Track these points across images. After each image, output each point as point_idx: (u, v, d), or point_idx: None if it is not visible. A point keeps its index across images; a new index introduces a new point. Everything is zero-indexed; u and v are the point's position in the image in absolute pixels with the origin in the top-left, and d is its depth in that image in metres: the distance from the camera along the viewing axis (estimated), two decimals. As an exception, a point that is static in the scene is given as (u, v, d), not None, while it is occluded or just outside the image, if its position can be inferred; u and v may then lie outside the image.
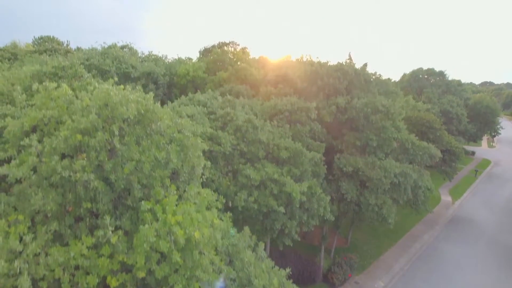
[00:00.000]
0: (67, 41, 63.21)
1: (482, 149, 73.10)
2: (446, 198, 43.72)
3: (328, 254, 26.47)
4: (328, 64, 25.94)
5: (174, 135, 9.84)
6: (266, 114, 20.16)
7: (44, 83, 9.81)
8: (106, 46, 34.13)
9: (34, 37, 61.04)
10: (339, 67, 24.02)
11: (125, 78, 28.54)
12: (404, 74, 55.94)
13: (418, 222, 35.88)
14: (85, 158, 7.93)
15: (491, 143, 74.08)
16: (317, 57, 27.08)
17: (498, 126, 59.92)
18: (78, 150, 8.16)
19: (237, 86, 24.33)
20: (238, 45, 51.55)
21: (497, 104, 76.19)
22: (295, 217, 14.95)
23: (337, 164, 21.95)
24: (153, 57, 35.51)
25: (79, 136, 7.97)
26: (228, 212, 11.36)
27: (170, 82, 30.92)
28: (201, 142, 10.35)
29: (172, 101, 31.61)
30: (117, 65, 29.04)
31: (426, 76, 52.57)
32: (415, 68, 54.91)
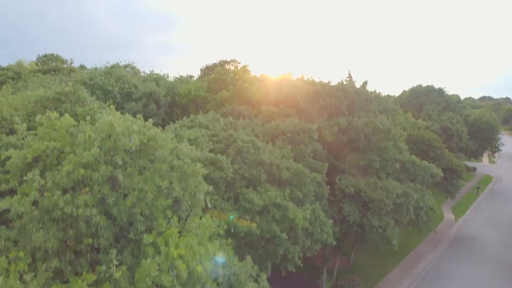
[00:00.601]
0: (71, 59, 64.27)
1: (484, 165, 72.92)
2: (449, 216, 43.31)
3: (330, 276, 26.01)
4: (330, 84, 26.23)
5: (174, 162, 9.83)
6: (268, 135, 20.21)
7: (47, 113, 9.86)
8: (109, 65, 34.57)
9: (38, 55, 62.11)
10: (340, 87, 24.24)
11: (127, 98, 28.76)
12: (404, 91, 56.37)
13: (421, 241, 35.41)
14: (88, 193, 7.89)
15: (492, 159, 73.92)
16: (319, 77, 27.33)
17: (499, 143, 59.92)
18: (80, 184, 8.13)
19: (238, 107, 24.47)
20: (239, 63, 52.26)
21: (497, 121, 76.54)
22: (298, 243, 14.77)
23: (339, 185, 21.85)
24: (154, 76, 35.88)
25: (81, 171, 7.95)
26: (230, 239, 11.26)
27: (171, 102, 31.13)
28: (202, 167, 10.31)
29: (173, 121, 31.91)
30: (120, 85, 29.32)
31: (425, 93, 52.94)
32: (415, 84, 55.56)
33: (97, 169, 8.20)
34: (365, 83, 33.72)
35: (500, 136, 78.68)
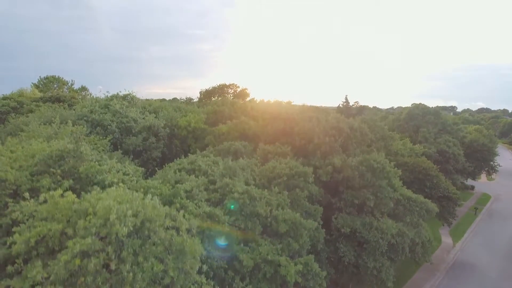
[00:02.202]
0: (72, 81, 65.24)
1: (482, 183, 73.11)
2: (447, 240, 43.42)
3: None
4: (326, 119, 26.81)
5: (173, 239, 10.23)
6: (264, 178, 20.65)
7: (50, 192, 10.33)
8: (109, 95, 35.25)
9: (40, 77, 63.04)
10: (335, 125, 24.80)
11: (126, 132, 29.28)
12: (401, 113, 57.09)
13: (418, 268, 35.47)
14: (83, 283, 8.29)
15: (490, 176, 74.15)
16: (321, 104, 27.92)
17: (496, 163, 60.41)
18: (78, 273, 8.52)
19: (235, 144, 24.99)
20: (238, 87, 53.27)
21: (495, 138, 76.99)
22: (291, 297, 15.05)
23: (335, 224, 22.21)
24: (153, 106, 36.53)
25: (77, 261, 8.38)
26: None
27: (171, 133, 31.66)
28: (199, 243, 10.70)
29: (173, 153, 32.43)
30: (118, 119, 29.88)
31: (421, 115, 53.64)
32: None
33: (93, 255, 8.62)
34: (362, 107, 34.33)
35: (497, 151, 79.20)
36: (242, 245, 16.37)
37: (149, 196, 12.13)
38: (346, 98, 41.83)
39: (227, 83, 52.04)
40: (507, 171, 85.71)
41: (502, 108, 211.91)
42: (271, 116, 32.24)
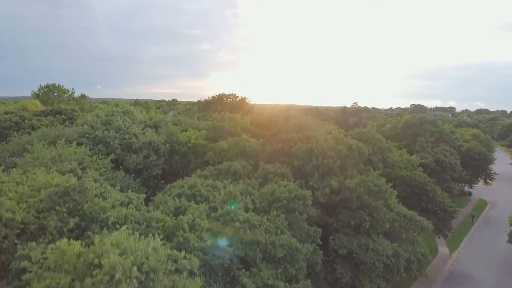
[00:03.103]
0: (72, 89, 65.64)
1: (479, 188, 73.65)
2: (443, 249, 44.03)
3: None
4: (324, 139, 27.30)
5: (176, 285, 10.75)
6: (264, 201, 21.18)
7: (58, 243, 10.84)
8: (110, 112, 35.71)
9: (40, 85, 63.38)
10: (333, 147, 25.30)
11: (128, 149, 29.74)
12: (398, 121, 57.65)
13: (415, 280, 36.07)
14: None
15: (488, 181, 74.72)
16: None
17: (492, 171, 61.10)
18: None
19: (235, 164, 25.51)
20: (237, 97, 53.72)
21: (492, 143, 77.59)
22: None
23: (332, 245, 22.77)
24: (153, 120, 36.98)
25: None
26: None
27: (171, 149, 32.14)
28: (201, 284, 11.24)
29: (173, 169, 32.90)
30: (120, 136, 30.34)
31: (419, 124, 54.18)
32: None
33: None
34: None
35: (494, 156, 79.76)
36: (243, 270, 16.95)
37: (152, 238, 12.69)
38: (344, 109, 42.41)
39: (226, 93, 52.70)
40: (504, 176, 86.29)
41: (500, 109, 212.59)
42: (271, 133, 32.78)
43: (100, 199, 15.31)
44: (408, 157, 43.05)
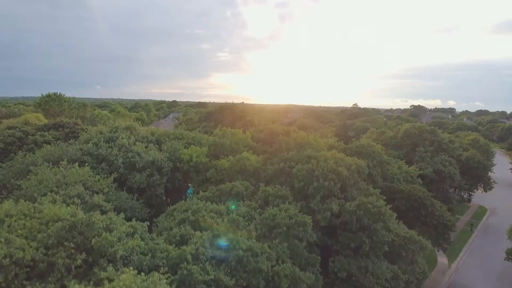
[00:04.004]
0: (73, 99, 65.99)
1: (478, 194, 74.08)
2: (442, 260, 44.53)
3: None
4: (325, 159, 27.70)
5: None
6: (265, 227, 21.58)
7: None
8: (113, 127, 36.13)
9: (42, 94, 63.81)
10: (334, 168, 25.70)
11: (131, 167, 30.13)
12: (398, 130, 58.06)
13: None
14: None
15: (486, 190, 75.19)
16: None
17: (491, 180, 61.62)
18: None
19: (237, 186, 25.95)
20: (238, 107, 54.10)
21: (492, 149, 77.92)
22: None
23: (332, 268, 23.21)
24: (155, 135, 37.32)
25: None
26: None
27: (173, 167, 32.55)
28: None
29: (176, 187, 33.33)
30: (123, 154, 30.73)
31: (418, 133, 54.59)
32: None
33: None
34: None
35: (493, 162, 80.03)
36: None
37: (157, 278, 13.17)
38: (345, 127, 42.93)
39: (227, 102, 53.05)
40: (504, 181, 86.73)
41: (500, 110, 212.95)
42: (272, 150, 33.20)
43: (107, 232, 15.73)
44: (407, 169, 43.50)
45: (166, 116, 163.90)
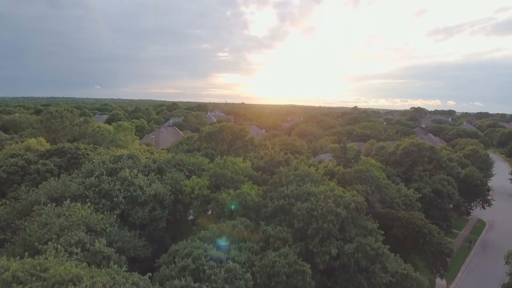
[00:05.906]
0: (75, 110, 66.36)
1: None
2: (441, 282, 44.96)
3: None
4: (324, 196, 28.10)
5: None
6: (265, 275, 22.05)
7: None
8: (115, 157, 36.52)
9: (43, 110, 63.94)
10: (333, 209, 26.10)
11: (132, 203, 30.57)
12: (397, 147, 58.45)
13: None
14: None
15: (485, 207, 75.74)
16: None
17: (490, 198, 62.10)
18: None
19: (238, 226, 26.40)
20: (239, 126, 54.52)
21: (490, 160, 78.33)
22: None
23: (331, 310, 23.74)
24: (157, 163, 37.69)
25: None
26: None
27: (175, 198, 32.98)
28: None
29: (177, 219, 33.80)
30: (125, 188, 31.15)
31: (417, 151, 54.96)
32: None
33: None
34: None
35: (493, 171, 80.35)
36: None
37: None
38: (343, 146, 43.43)
39: (228, 124, 53.44)
40: (503, 191, 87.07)
41: (500, 112, 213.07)
42: (272, 182, 33.63)
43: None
44: (406, 192, 43.90)
45: (166, 121, 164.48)
